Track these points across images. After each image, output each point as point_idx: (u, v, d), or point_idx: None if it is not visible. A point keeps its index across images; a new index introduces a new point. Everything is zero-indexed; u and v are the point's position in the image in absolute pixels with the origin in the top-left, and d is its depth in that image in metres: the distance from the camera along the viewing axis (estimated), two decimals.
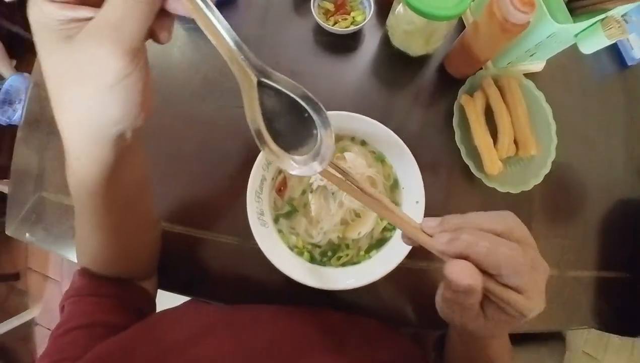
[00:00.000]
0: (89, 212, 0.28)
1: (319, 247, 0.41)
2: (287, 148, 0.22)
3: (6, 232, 0.50)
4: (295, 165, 0.23)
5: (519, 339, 0.77)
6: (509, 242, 0.21)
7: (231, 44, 0.19)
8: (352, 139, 0.44)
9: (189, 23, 0.52)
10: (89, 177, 0.24)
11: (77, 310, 0.34)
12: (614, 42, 0.41)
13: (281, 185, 0.42)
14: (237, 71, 0.21)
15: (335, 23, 0.49)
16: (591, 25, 0.40)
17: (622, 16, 0.40)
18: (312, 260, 0.41)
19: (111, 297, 0.35)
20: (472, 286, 0.20)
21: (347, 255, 0.41)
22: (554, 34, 0.40)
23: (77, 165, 0.23)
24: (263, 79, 0.21)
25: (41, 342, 1.50)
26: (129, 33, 0.18)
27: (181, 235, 0.46)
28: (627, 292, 0.51)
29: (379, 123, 0.39)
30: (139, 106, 0.21)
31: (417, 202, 0.39)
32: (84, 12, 0.18)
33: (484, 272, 0.21)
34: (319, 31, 0.50)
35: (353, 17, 0.49)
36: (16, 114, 1.35)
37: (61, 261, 1.50)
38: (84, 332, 0.31)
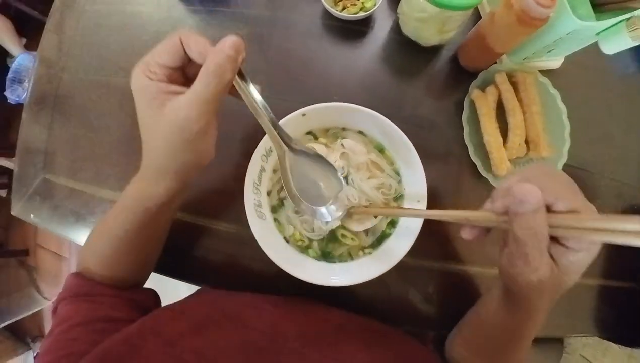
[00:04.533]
0: (129, 224, 0.32)
1: (317, 240, 0.40)
2: (312, 202, 0.35)
3: (12, 213, 0.51)
4: (325, 213, 0.35)
5: None
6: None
7: (268, 121, 0.29)
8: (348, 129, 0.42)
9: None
10: (157, 198, 0.30)
11: (76, 308, 0.34)
12: (638, 44, 0.38)
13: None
14: (273, 141, 0.31)
15: (344, 8, 0.47)
16: (615, 24, 0.37)
17: None
18: (311, 252, 0.40)
19: (108, 295, 0.35)
20: (534, 192, 0.21)
21: (347, 250, 0.40)
22: (575, 31, 0.38)
23: (153, 189, 0.30)
24: (293, 145, 0.32)
25: (49, 316, 1.55)
26: (212, 107, 0.25)
27: (183, 223, 0.45)
28: (631, 301, 0.50)
29: (380, 115, 0.37)
30: (206, 153, 0.28)
31: (418, 201, 0.38)
32: (175, 88, 0.26)
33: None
34: (328, 15, 0.48)
35: (362, 3, 0.47)
36: (25, 92, 1.36)
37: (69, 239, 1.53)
38: (86, 328, 0.32)
